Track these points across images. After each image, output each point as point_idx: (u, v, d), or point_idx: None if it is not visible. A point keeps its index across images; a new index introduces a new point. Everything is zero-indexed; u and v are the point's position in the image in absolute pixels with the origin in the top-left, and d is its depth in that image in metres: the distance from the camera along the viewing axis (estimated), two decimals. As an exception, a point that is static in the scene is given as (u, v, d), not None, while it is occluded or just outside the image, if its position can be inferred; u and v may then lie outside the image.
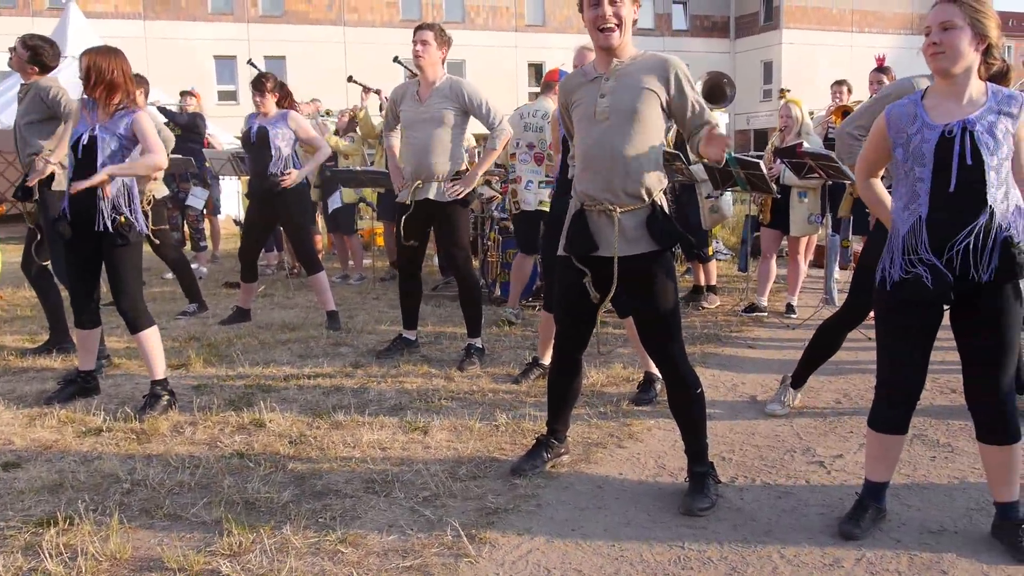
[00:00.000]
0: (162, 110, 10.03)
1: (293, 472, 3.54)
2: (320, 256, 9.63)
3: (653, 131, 3.13)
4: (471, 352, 5.32)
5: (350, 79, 9.29)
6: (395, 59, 8.52)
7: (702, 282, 7.12)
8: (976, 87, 2.71)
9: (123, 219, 4.27)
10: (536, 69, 34.69)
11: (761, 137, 34.03)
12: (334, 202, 8.80)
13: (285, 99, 6.55)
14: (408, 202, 5.18)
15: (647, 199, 3.12)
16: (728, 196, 7.24)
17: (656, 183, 3.15)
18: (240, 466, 3.61)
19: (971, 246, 2.66)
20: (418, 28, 5.10)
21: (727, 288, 7.98)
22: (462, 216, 5.26)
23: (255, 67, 8.64)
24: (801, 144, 5.87)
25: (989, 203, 2.65)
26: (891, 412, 2.92)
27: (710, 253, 7.09)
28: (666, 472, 3.54)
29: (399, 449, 3.81)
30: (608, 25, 3.08)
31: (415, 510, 3.15)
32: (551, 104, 5.84)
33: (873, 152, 2.95)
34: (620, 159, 3.09)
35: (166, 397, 4.37)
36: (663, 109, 3.15)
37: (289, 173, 6.18)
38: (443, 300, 7.60)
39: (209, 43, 29.35)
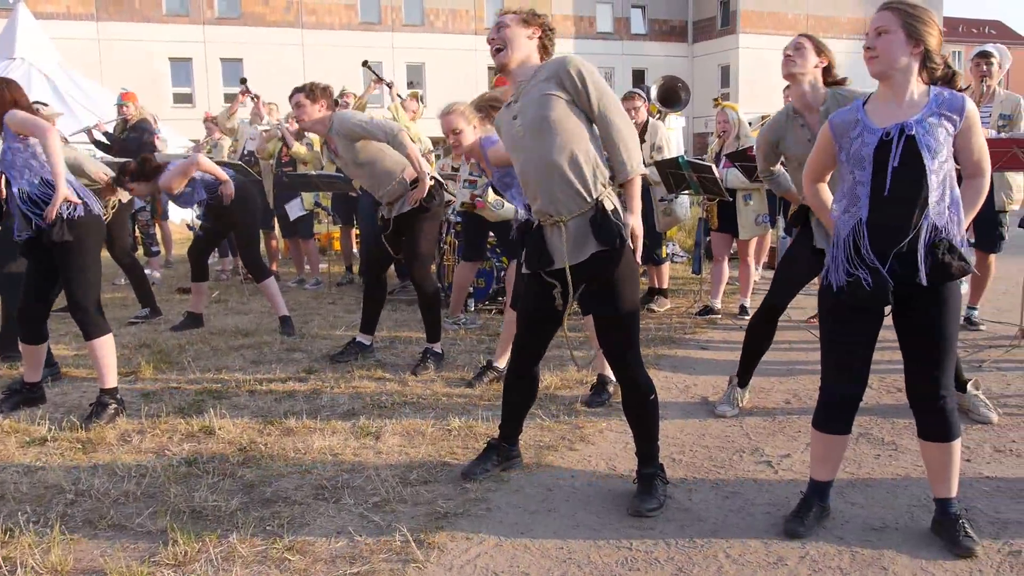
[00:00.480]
0: (97, 144, 9.40)
1: (242, 480, 3.51)
2: (276, 261, 9.57)
3: (574, 133, 3.11)
4: (427, 357, 5.31)
5: (365, 64, 9.30)
6: (364, 63, 8.76)
7: (656, 284, 7.18)
8: (918, 90, 2.76)
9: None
10: (496, 73, 34.73)
11: (719, 140, 34.37)
12: (294, 210, 8.69)
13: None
14: (387, 218, 5.35)
15: (590, 199, 3.13)
16: (685, 199, 7.31)
17: (593, 181, 3.13)
18: (188, 474, 3.56)
19: (909, 248, 2.72)
20: (291, 95, 5.17)
21: (682, 290, 8.06)
22: (424, 224, 5.29)
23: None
24: (751, 148, 5.95)
25: (929, 205, 2.71)
26: (835, 414, 2.97)
27: (664, 256, 7.15)
28: (616, 474, 3.56)
29: (350, 455, 3.79)
30: (495, 47, 3.23)
31: (364, 516, 3.14)
32: None
33: (821, 156, 2.98)
34: (552, 168, 3.10)
35: (113, 405, 4.30)
36: (578, 107, 3.13)
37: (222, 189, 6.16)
38: (399, 304, 7.57)
39: (164, 45, 28.98)
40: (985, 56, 6.02)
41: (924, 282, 2.72)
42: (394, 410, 4.42)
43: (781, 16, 36.73)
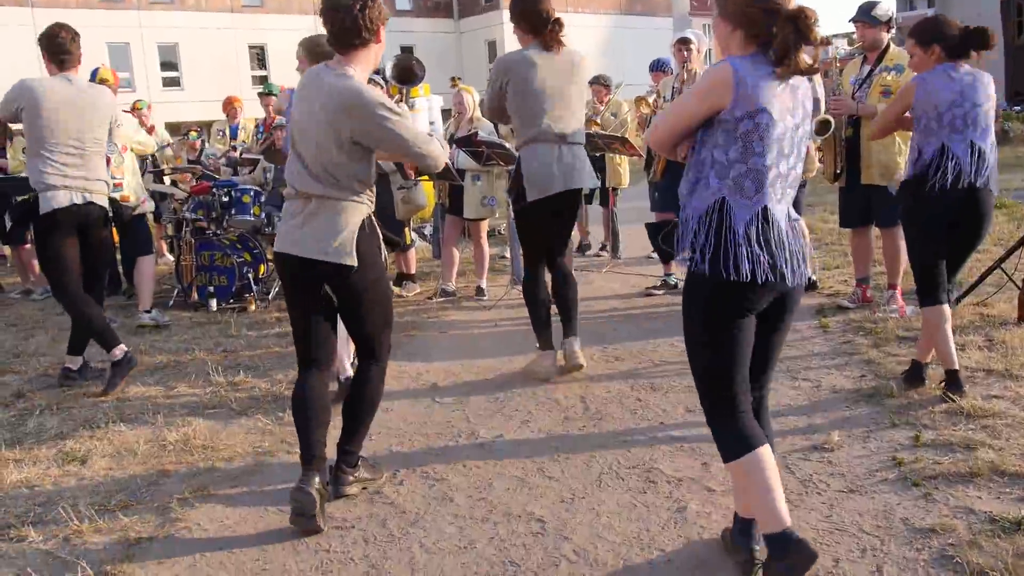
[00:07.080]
0: None
1: (-87, 529, 3.21)
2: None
3: None
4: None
5: None
6: None
7: (404, 270, 7.25)
8: None
9: None
10: (257, 52, 33.40)
11: (490, 115, 35.13)
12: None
13: None
14: None
15: None
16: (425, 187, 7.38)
17: None
18: None
19: None
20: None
21: (435, 273, 8.16)
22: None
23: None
24: (476, 132, 6.11)
25: None
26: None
27: (409, 242, 7.22)
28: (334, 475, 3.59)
29: (49, 485, 3.57)
30: None
31: (49, 553, 2.97)
32: None
33: None
34: None
35: None
36: None
37: None
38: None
39: None
40: (685, 42, 6.48)
41: None
42: (107, 429, 4.19)
43: (542, -8, 37.81)
